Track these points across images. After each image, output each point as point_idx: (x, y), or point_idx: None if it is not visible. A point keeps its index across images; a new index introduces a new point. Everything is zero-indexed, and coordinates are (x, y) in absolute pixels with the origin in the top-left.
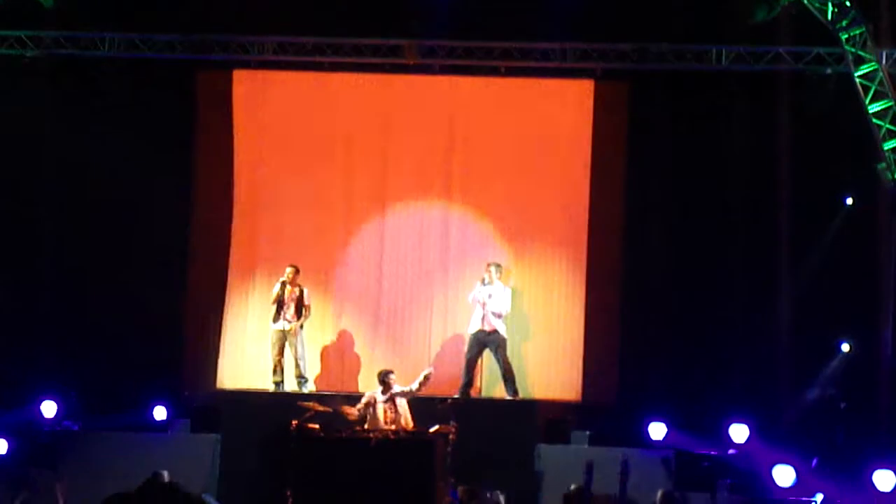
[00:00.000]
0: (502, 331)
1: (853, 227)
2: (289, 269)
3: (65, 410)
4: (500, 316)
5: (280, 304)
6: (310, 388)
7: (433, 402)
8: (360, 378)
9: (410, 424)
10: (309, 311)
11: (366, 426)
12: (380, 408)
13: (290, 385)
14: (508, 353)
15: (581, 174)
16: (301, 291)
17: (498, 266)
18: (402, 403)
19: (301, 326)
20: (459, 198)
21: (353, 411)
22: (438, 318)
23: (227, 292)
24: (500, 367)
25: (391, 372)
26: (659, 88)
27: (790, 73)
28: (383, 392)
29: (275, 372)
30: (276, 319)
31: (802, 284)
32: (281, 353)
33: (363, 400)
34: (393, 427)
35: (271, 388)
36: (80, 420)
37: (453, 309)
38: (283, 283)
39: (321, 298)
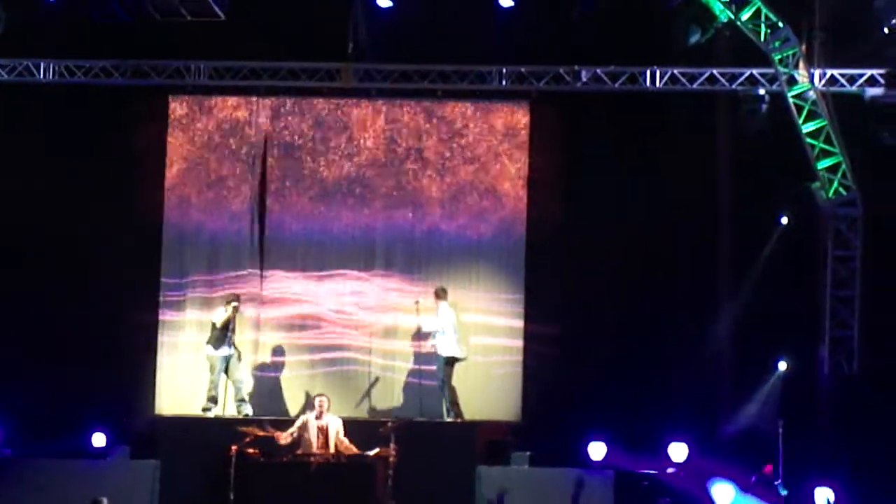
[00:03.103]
0: (440, 349)
1: (789, 245)
2: (237, 296)
3: (3, 438)
4: (426, 337)
5: (226, 329)
6: (247, 411)
7: (374, 425)
8: (294, 402)
9: (345, 448)
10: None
11: (298, 451)
12: (312, 432)
13: (227, 410)
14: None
15: (518, 196)
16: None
17: (436, 290)
18: (334, 428)
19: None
20: (398, 218)
21: (285, 436)
22: (377, 337)
23: (161, 318)
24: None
25: (323, 395)
26: (595, 110)
27: (725, 94)
28: (316, 417)
29: (213, 399)
30: (218, 346)
31: (740, 303)
32: (221, 378)
33: (296, 424)
34: (326, 451)
35: (210, 412)
36: (18, 447)
37: (391, 330)
38: (235, 309)
39: (254, 323)
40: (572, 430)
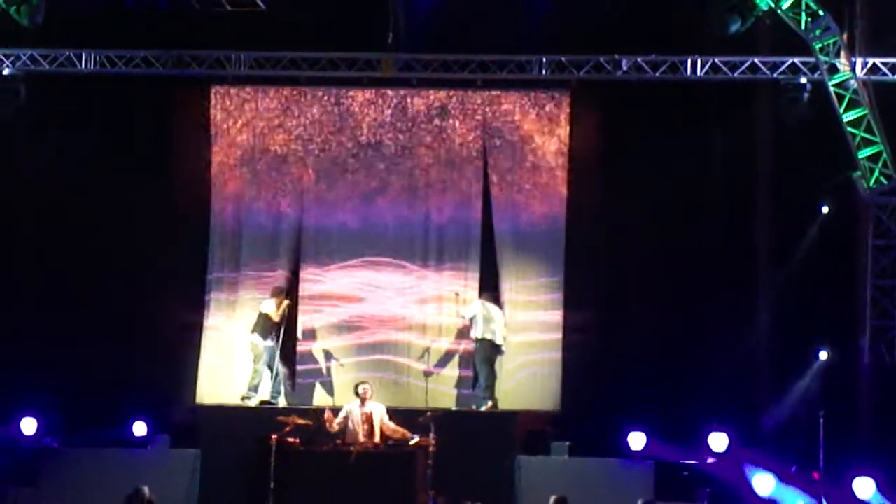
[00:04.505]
0: (473, 332)
1: (830, 235)
2: (285, 290)
3: (45, 427)
4: (467, 325)
5: (277, 322)
6: (282, 402)
7: (413, 415)
8: (338, 391)
9: (392, 431)
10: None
11: (342, 440)
12: (357, 420)
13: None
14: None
15: (558, 186)
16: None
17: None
18: (377, 414)
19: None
20: (437, 209)
21: (333, 424)
22: (417, 328)
23: (206, 308)
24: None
25: (366, 383)
26: (635, 99)
27: (766, 83)
28: (360, 404)
29: (254, 388)
30: (266, 336)
31: (780, 293)
32: (264, 368)
33: (342, 413)
34: (371, 439)
35: (250, 401)
36: (60, 437)
37: (433, 320)
38: (289, 306)
39: (298, 312)
40: (612, 421)
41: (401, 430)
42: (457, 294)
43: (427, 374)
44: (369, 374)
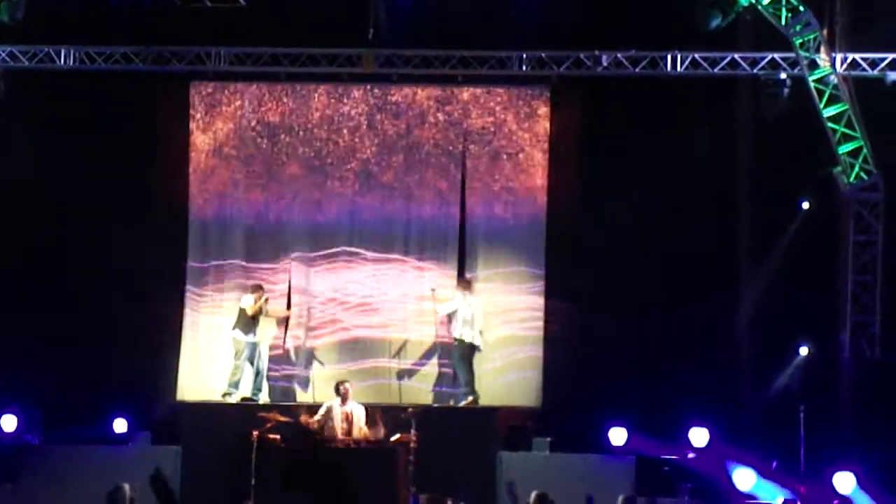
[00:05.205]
0: (453, 332)
1: (810, 230)
2: (261, 286)
3: (25, 424)
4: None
5: (255, 317)
6: (262, 399)
7: (395, 411)
8: (318, 388)
9: (367, 433)
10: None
11: (324, 436)
12: (337, 417)
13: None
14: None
15: (538, 182)
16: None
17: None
18: (358, 414)
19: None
20: (418, 204)
21: (312, 421)
22: (397, 324)
23: (185, 304)
24: None
25: (347, 382)
26: (615, 95)
27: (746, 78)
28: (341, 403)
29: (235, 384)
30: (247, 332)
31: (761, 288)
32: (245, 364)
33: (321, 410)
34: (350, 437)
35: (231, 397)
36: (41, 434)
37: (413, 316)
38: (266, 301)
39: (277, 311)
40: (593, 416)
41: (375, 431)
42: (433, 290)
43: (402, 372)
44: (349, 370)
